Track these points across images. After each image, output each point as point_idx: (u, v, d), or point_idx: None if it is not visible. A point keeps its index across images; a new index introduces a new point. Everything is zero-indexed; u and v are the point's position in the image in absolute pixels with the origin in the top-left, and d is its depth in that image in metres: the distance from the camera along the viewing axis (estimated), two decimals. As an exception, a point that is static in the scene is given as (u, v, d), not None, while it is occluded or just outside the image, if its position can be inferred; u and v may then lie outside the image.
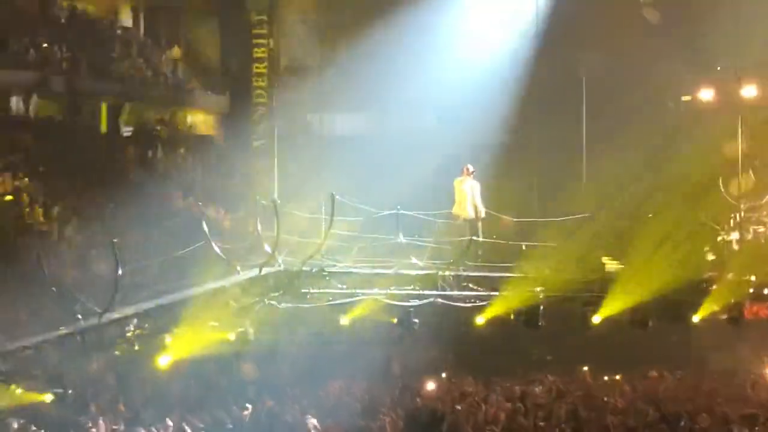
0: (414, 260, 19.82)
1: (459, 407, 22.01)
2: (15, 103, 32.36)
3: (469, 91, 28.66)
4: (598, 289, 21.50)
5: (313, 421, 21.49)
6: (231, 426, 21.15)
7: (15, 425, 19.51)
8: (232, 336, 18.82)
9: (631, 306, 21.04)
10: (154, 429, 19.95)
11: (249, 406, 21.94)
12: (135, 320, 16.91)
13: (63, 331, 17.23)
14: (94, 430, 19.71)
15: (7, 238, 27.95)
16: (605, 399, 22.93)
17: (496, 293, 20.73)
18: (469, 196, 21.30)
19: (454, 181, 21.54)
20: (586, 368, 26.89)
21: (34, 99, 32.39)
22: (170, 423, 20.56)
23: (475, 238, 20.83)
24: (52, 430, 19.43)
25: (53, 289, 17.94)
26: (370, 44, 29.05)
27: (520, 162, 27.63)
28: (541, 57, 28.65)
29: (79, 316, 17.23)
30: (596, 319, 21.24)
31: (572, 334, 23.86)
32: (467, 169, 21.52)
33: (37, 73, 31.66)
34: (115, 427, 20.48)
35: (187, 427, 19.96)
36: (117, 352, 17.85)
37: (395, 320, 20.41)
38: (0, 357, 16.37)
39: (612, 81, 28.49)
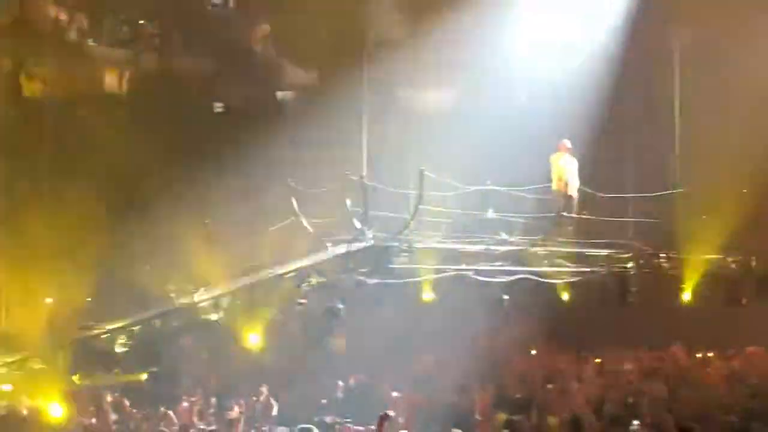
0: (504, 236, 19.70)
1: (550, 385, 21.88)
2: (108, 80, 32.77)
3: (558, 68, 28.31)
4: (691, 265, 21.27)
5: (401, 396, 21.56)
6: (325, 401, 21.29)
7: (109, 398, 19.89)
8: (321, 311, 18.91)
9: (724, 282, 20.73)
10: (242, 401, 20.15)
11: (341, 382, 22.07)
12: (227, 297, 17.07)
13: (157, 310, 17.49)
14: (186, 403, 19.97)
15: (102, 214, 28.39)
16: (698, 376, 22.58)
17: (588, 269, 20.56)
18: (566, 172, 21.14)
19: (551, 158, 21.37)
20: (678, 345, 26.55)
21: (127, 75, 32.75)
22: (264, 390, 20.80)
23: (565, 213, 20.68)
24: (146, 403, 19.72)
25: (147, 267, 18.21)
26: (460, 18, 28.85)
27: (614, 137, 27.23)
28: (634, 30, 28.16)
29: (173, 295, 17.47)
30: (687, 296, 20.96)
31: (665, 310, 23.51)
32: (564, 145, 21.35)
33: (129, 50, 32.00)
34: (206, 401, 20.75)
35: (273, 401, 20.12)
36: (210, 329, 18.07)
37: (484, 297, 20.36)
38: (95, 337, 16.65)
39: (708, 55, 27.92)
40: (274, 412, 19.59)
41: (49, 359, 16.86)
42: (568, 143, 21.32)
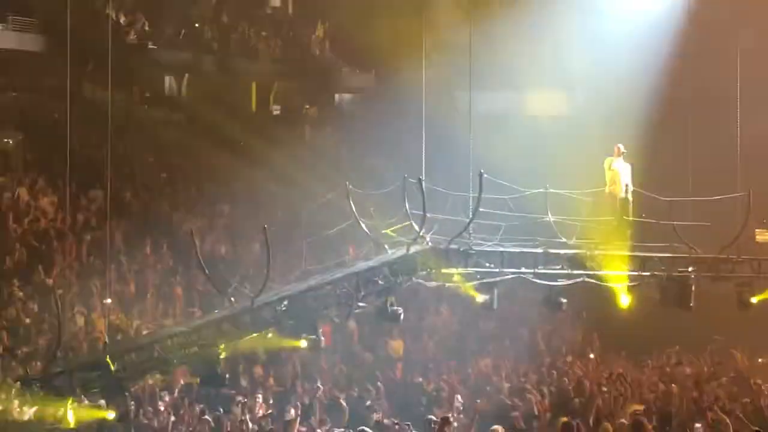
0: (562, 239, 19.60)
1: (606, 388, 21.75)
2: (168, 82, 33.09)
3: (616, 69, 28.13)
4: (753, 268, 21.02)
5: (459, 398, 21.55)
6: (378, 400, 21.32)
7: (167, 398, 20.04)
8: (379, 314, 18.90)
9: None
10: (298, 403, 20.23)
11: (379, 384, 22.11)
12: (286, 301, 17.12)
13: (217, 315, 17.59)
14: (246, 401, 20.09)
15: (162, 214, 28.66)
16: (758, 382, 22.34)
17: (646, 273, 20.39)
18: (621, 176, 21.00)
19: (605, 161, 21.24)
20: (738, 350, 26.30)
21: (186, 78, 33.05)
22: (320, 386, 20.86)
23: (624, 217, 20.52)
24: (204, 403, 19.86)
25: (206, 271, 18.30)
26: (517, 22, 28.79)
27: (672, 139, 26.99)
28: (696, 31, 27.89)
29: (232, 299, 17.56)
30: (753, 300, 20.72)
31: (725, 315, 23.27)
32: (618, 149, 21.22)
33: (189, 53, 32.27)
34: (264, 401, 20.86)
35: (342, 400, 20.22)
36: (269, 335, 18.12)
37: (543, 299, 20.25)
38: (158, 341, 16.78)
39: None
40: (346, 417, 19.69)
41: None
42: (622, 147, 21.15)
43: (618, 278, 20.18)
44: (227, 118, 29.92)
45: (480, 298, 19.54)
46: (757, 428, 17.37)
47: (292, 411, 19.62)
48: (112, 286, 24.47)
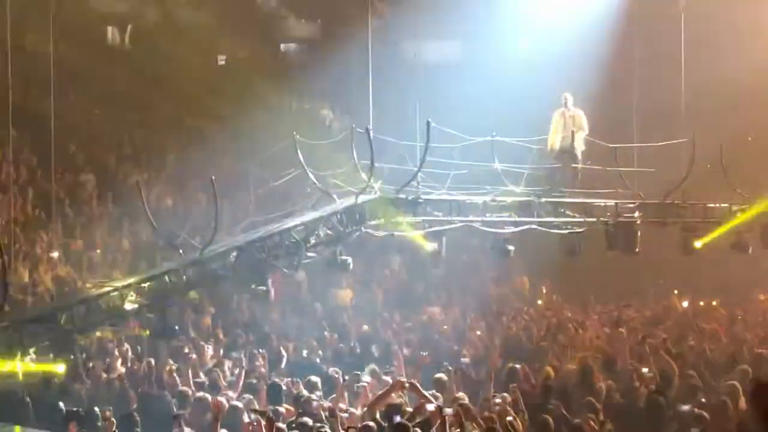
0: (510, 187, 19.69)
1: (557, 335, 21.96)
2: (110, 33, 32.68)
3: (563, 20, 28.24)
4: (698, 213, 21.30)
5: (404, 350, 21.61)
6: (330, 353, 21.35)
7: (116, 352, 19.96)
8: (328, 264, 18.91)
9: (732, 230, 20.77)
10: (243, 356, 20.19)
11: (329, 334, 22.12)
12: (235, 252, 17.06)
13: (165, 267, 17.49)
14: (193, 355, 20.03)
15: (107, 167, 28.44)
16: (703, 325, 22.66)
17: (593, 219, 20.57)
18: (568, 126, 21.11)
19: (555, 112, 21.35)
20: (680, 294, 26.72)
21: (129, 29, 32.66)
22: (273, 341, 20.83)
23: (573, 165, 20.68)
24: (151, 355, 19.79)
25: (153, 223, 18.17)
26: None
27: (619, 90, 27.14)
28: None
29: (181, 251, 17.46)
30: (697, 244, 21.00)
31: (671, 260, 23.61)
32: (566, 98, 21.32)
33: (130, 3, 31.88)
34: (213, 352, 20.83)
35: (284, 351, 20.20)
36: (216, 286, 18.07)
37: (491, 247, 20.38)
38: (106, 294, 16.67)
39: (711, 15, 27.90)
40: (283, 364, 19.67)
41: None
42: (569, 97, 21.24)
43: (565, 224, 20.35)
44: (172, 69, 29.63)
45: (429, 246, 19.59)
46: (698, 371, 17.67)
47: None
48: (59, 239, 24.34)
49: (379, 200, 18.22)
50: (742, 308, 25.21)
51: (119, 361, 19.37)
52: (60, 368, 17.10)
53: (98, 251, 24.75)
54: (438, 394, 15.63)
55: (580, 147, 21.21)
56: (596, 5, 28.34)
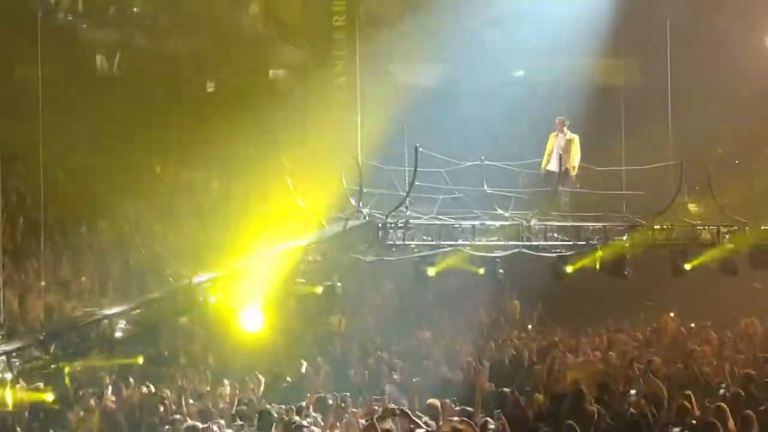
0: (499, 211, 19.72)
1: (544, 358, 21.97)
2: (99, 61, 32.68)
3: (554, 43, 28.31)
4: (687, 236, 21.32)
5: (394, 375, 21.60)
6: (318, 377, 21.35)
7: (107, 380, 19.93)
8: (319, 290, 18.93)
9: (721, 253, 20.79)
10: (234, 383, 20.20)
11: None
12: (225, 278, 17.07)
13: (156, 294, 17.51)
14: (184, 382, 20.04)
15: (97, 197, 28.38)
16: (694, 347, 22.68)
17: (583, 243, 20.59)
18: (558, 149, 21.13)
19: (550, 136, 21.40)
20: (672, 315, 26.75)
21: (118, 57, 32.66)
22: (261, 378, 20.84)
23: (561, 188, 20.70)
24: (144, 381, 19.77)
25: (143, 251, 18.19)
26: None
27: (611, 110, 27.22)
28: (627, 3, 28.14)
29: (170, 279, 17.47)
30: (686, 267, 21.01)
31: (661, 282, 23.64)
32: (560, 122, 21.37)
33: (119, 31, 31.90)
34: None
35: (260, 377, 20.23)
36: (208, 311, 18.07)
37: (481, 271, 20.39)
38: (95, 324, 16.67)
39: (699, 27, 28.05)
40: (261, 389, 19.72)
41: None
42: (565, 120, 21.30)
43: (554, 248, 20.36)
44: (161, 96, 29.64)
45: (419, 271, 19.59)
46: (689, 392, 17.69)
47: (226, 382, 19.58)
48: (48, 267, 24.29)
49: (367, 225, 18.24)
50: (731, 330, 25.23)
51: (110, 388, 19.34)
52: (50, 396, 17.07)
53: (86, 279, 24.69)
54: (431, 422, 15.61)
55: (573, 171, 21.22)
56: (584, 34, 28.41)
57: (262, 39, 33.94)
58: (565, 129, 21.40)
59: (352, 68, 20.93)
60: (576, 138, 21.41)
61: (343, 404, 17.37)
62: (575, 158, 21.21)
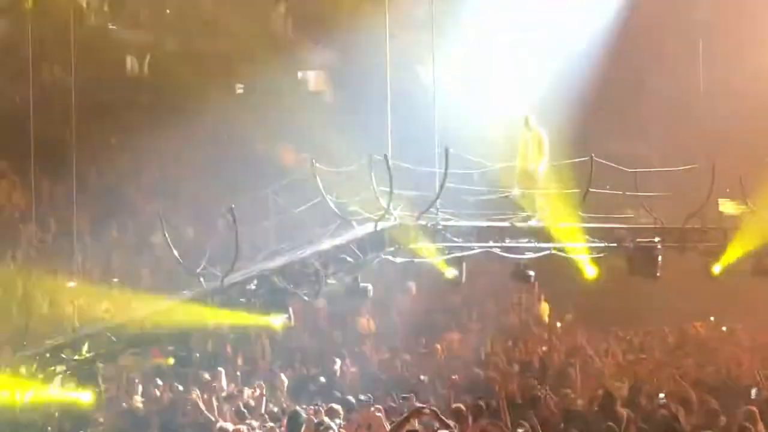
0: (527, 212, 19.67)
1: (572, 360, 21.92)
2: (129, 63, 32.82)
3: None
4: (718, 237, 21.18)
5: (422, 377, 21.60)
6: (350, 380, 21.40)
7: (138, 380, 20.02)
8: (347, 291, 18.94)
9: (753, 254, 20.63)
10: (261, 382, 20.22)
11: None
12: (255, 281, 17.11)
13: (187, 294, 17.55)
14: (215, 383, 20.07)
15: (127, 196, 28.54)
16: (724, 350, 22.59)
17: (613, 244, 20.48)
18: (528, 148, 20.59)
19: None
20: (701, 319, 26.60)
21: (148, 58, 32.79)
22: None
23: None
24: (176, 383, 19.83)
25: (174, 252, 18.22)
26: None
27: (642, 112, 27.00)
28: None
29: (202, 279, 17.51)
30: (716, 269, 20.86)
31: (692, 284, 23.50)
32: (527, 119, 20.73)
33: (150, 33, 32.04)
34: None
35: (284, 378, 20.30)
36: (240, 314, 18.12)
37: (511, 272, 20.32)
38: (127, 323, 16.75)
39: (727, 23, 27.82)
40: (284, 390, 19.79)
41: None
42: (531, 118, 20.73)
43: (585, 250, 20.28)
44: (190, 98, 29.73)
45: (448, 273, 19.59)
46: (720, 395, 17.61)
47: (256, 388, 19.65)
48: (79, 268, 24.40)
49: (398, 227, 18.23)
50: (763, 333, 25.07)
51: (140, 389, 19.42)
52: (83, 397, 17.16)
53: (118, 280, 24.80)
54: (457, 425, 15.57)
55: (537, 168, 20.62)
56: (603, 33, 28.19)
57: (291, 40, 33.99)
58: (529, 125, 20.75)
59: (381, 69, 20.84)
60: (539, 132, 20.65)
61: (371, 405, 17.40)
62: (540, 155, 20.50)
